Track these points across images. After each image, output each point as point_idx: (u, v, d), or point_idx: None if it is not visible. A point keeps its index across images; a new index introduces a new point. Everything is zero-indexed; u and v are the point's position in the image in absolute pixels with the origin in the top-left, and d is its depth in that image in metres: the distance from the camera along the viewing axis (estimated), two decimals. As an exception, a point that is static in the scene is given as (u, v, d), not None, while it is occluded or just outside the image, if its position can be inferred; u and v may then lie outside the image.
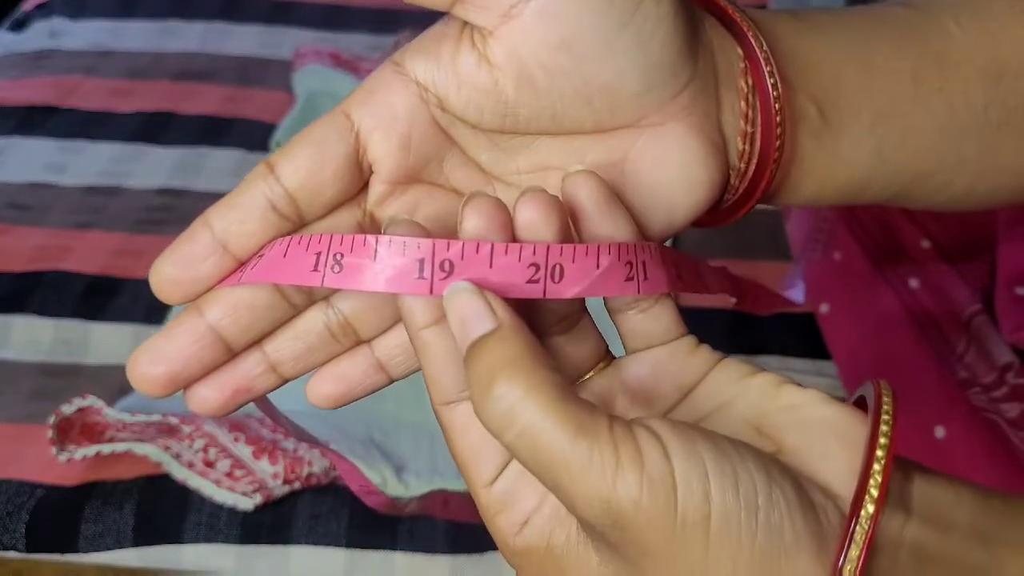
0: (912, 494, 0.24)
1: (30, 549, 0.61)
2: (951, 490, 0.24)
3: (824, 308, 0.67)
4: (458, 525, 0.61)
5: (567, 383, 0.22)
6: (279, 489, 0.61)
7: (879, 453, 0.23)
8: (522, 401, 0.21)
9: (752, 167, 0.28)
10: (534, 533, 0.24)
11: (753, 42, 0.27)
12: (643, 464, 0.21)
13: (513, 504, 0.24)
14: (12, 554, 0.61)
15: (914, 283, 0.61)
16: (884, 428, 0.23)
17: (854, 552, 0.22)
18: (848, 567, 0.22)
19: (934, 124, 0.31)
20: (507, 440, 0.22)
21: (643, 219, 0.27)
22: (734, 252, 0.80)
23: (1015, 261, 0.55)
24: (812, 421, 0.24)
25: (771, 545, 0.22)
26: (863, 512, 0.22)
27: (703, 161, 0.27)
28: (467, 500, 0.58)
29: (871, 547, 0.22)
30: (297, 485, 0.61)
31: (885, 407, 0.24)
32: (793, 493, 0.22)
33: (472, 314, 0.23)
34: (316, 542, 0.60)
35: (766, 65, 0.27)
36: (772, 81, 0.27)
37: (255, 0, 1.18)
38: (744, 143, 0.28)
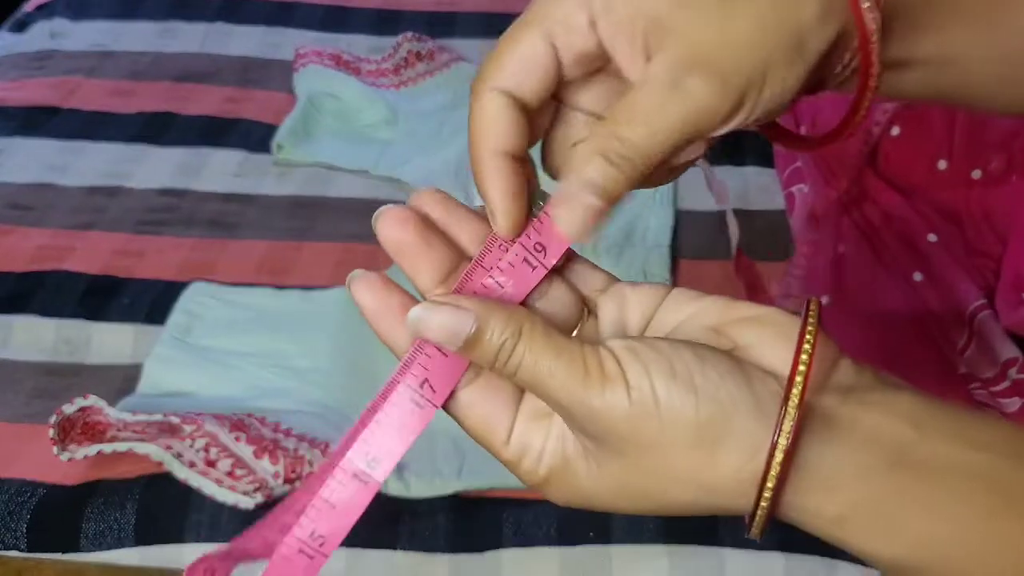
0: (853, 383, 0.29)
1: (31, 548, 0.61)
2: (892, 385, 0.30)
3: (825, 300, 0.67)
4: (458, 524, 0.61)
5: (547, 326, 0.29)
6: (280, 488, 0.61)
7: (807, 338, 0.28)
8: (521, 348, 0.29)
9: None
10: (548, 459, 0.30)
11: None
12: (604, 373, 0.28)
13: (528, 447, 0.30)
14: (13, 553, 0.61)
15: (918, 277, 0.61)
16: (812, 322, 0.28)
17: (791, 407, 0.27)
18: (787, 423, 0.27)
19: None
20: (517, 379, 0.29)
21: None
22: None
23: None
24: (764, 325, 0.30)
25: (711, 410, 0.27)
26: (794, 388, 0.27)
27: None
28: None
29: (803, 412, 0.27)
30: (298, 484, 0.61)
31: (812, 311, 0.29)
32: (726, 366, 0.28)
33: (450, 322, 0.29)
34: (317, 541, 0.60)
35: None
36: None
37: (256, 1, 1.19)
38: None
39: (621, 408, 0.28)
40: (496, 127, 0.30)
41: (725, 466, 0.28)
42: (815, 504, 0.28)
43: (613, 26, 0.30)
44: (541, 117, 0.32)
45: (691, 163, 0.34)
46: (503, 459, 0.31)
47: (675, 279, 0.78)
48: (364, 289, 0.30)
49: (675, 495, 0.29)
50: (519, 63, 0.30)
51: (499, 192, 0.31)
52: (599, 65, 0.32)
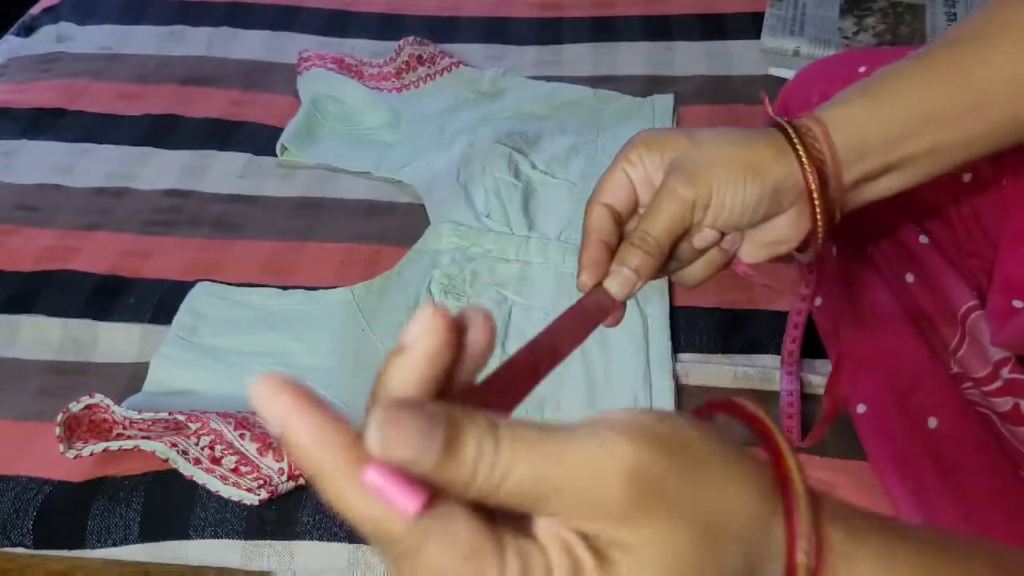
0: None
1: (37, 545, 0.62)
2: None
3: (818, 301, 0.68)
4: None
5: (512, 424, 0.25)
6: (284, 485, 0.61)
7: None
8: (507, 443, 0.24)
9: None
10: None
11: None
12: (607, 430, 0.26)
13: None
14: (20, 550, 0.62)
15: (910, 278, 0.62)
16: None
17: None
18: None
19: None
20: (508, 489, 0.24)
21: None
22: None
23: (1020, 272, 0.55)
24: None
25: (719, 456, 0.26)
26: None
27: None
28: None
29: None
30: (302, 481, 0.62)
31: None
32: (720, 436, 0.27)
33: (418, 432, 0.23)
34: (320, 537, 0.61)
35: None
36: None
37: (261, 6, 1.19)
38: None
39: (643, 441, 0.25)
40: (599, 225, 0.46)
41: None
42: None
43: (649, 165, 0.47)
44: (632, 223, 0.48)
45: (726, 259, 0.48)
46: None
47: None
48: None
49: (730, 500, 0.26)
50: (611, 186, 0.47)
51: (591, 258, 0.45)
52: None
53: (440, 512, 0.23)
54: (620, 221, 0.47)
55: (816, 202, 0.46)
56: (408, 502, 0.23)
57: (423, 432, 0.22)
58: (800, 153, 0.46)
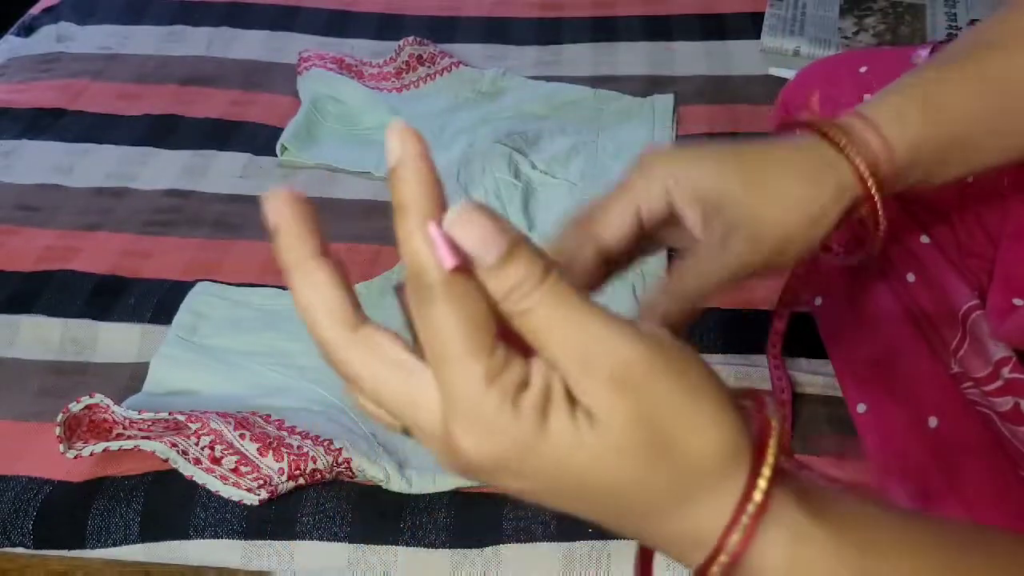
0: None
1: (38, 545, 0.62)
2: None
3: (818, 300, 0.68)
4: (458, 520, 0.62)
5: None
6: (284, 485, 0.61)
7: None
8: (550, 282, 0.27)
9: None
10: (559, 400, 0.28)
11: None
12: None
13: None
14: (20, 550, 0.62)
15: (911, 277, 0.62)
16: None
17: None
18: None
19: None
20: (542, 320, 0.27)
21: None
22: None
23: (1020, 271, 0.55)
24: None
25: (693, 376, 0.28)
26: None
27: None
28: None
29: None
30: (302, 481, 0.62)
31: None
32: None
33: (488, 237, 0.26)
34: (320, 537, 0.61)
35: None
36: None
37: (261, 6, 1.19)
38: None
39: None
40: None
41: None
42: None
43: (682, 200, 0.44)
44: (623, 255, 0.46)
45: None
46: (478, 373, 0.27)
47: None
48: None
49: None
50: (609, 224, 0.44)
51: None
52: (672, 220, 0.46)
53: (468, 283, 0.26)
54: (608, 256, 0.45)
55: (880, 231, 0.48)
56: (449, 258, 0.26)
57: (488, 235, 0.26)
58: (873, 191, 0.46)
